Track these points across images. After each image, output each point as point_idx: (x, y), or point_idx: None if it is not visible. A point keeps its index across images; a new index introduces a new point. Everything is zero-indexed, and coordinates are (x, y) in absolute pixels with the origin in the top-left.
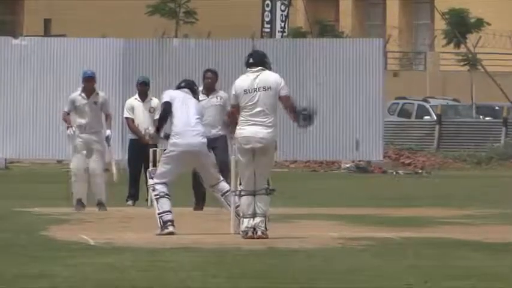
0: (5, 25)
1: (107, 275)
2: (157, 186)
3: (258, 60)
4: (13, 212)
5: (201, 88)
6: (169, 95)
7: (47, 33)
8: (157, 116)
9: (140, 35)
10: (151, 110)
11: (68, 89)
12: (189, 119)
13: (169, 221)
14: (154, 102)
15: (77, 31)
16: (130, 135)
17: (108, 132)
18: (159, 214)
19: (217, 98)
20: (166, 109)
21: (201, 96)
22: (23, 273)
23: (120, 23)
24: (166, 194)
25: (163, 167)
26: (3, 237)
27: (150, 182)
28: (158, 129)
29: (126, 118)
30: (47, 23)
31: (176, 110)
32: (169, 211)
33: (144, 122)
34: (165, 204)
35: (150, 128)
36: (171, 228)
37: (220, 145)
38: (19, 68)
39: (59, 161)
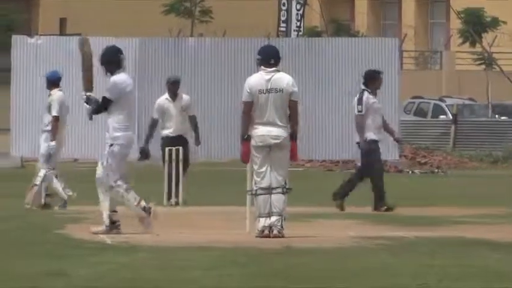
0: (20, 24)
1: (122, 274)
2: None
3: (278, 62)
4: (29, 211)
5: None
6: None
7: (62, 32)
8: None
9: (156, 34)
10: (183, 108)
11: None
12: None
13: (119, 221)
14: (185, 99)
15: (92, 30)
16: (165, 132)
17: (51, 144)
18: (111, 212)
19: None
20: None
21: None
22: (40, 271)
23: (136, 22)
24: None
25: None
26: (20, 235)
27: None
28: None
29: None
30: (62, 22)
31: None
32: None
33: (179, 122)
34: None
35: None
36: (120, 229)
37: None
38: (34, 67)
39: (75, 160)
